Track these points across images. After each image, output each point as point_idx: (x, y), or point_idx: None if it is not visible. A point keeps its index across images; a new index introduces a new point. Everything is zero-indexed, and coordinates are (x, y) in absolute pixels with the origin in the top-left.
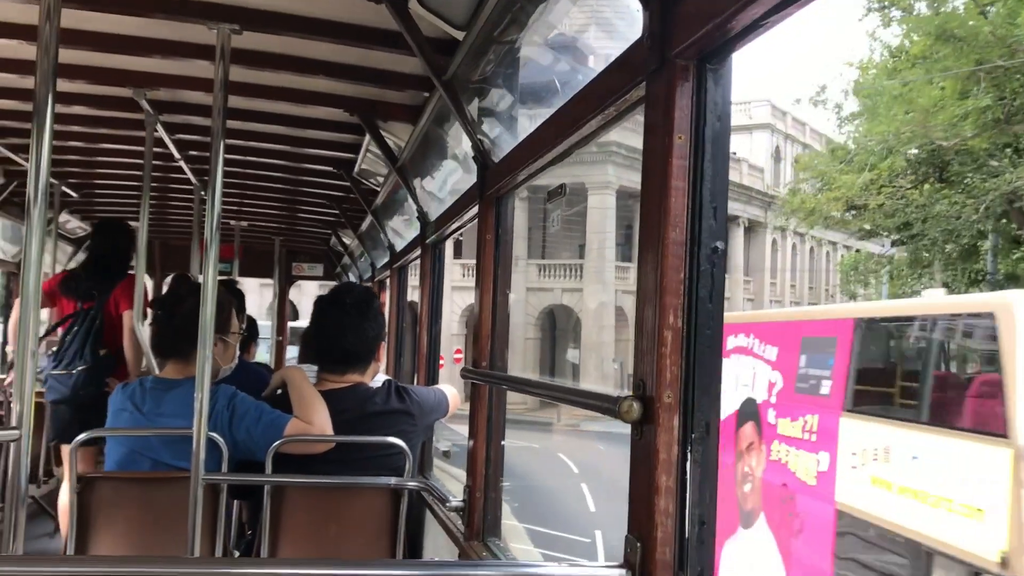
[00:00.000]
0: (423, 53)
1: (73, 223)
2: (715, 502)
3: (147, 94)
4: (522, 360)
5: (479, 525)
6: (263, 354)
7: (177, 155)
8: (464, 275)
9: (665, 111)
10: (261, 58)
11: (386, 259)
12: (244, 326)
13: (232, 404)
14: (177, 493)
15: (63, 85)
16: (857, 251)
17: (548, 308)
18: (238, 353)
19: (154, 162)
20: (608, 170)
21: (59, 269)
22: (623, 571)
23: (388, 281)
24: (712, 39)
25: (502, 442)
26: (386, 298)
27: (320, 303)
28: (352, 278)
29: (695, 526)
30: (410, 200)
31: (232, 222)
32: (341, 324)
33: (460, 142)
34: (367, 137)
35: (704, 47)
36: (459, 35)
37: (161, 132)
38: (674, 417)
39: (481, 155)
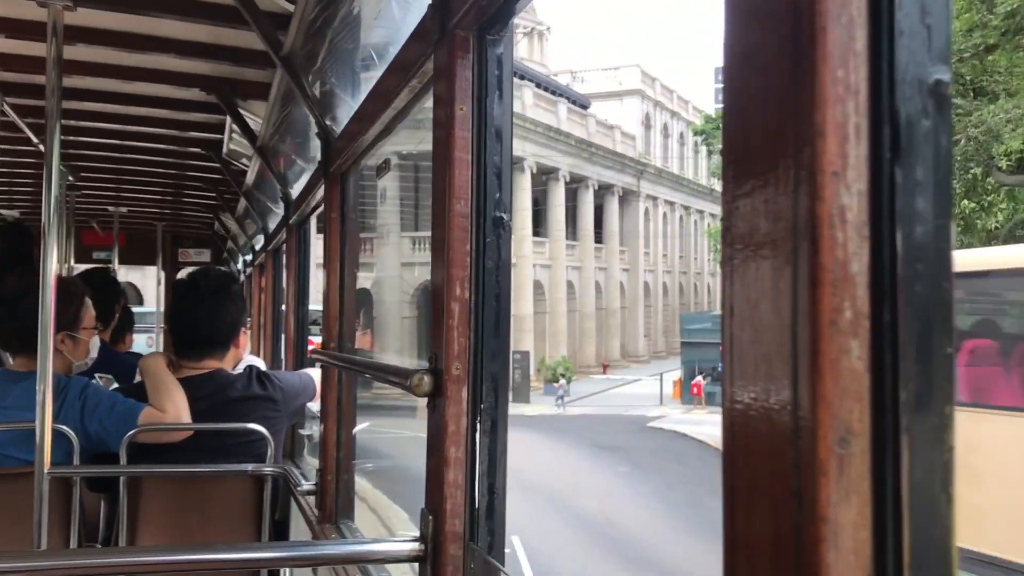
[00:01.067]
0: (260, 28)
1: None
2: (505, 472)
3: None
4: (399, 342)
5: (331, 507)
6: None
7: (35, 140)
8: (415, 248)
9: (448, 82)
10: (104, 36)
11: (263, 241)
12: (118, 316)
13: (84, 395)
14: (26, 488)
15: None
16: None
17: (424, 284)
18: (97, 345)
19: (11, 147)
20: (525, 147)
21: None
22: (417, 544)
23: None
24: (487, 8)
25: (354, 425)
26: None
27: (177, 288)
28: (239, 262)
29: (484, 497)
30: (274, 180)
31: (111, 208)
32: (197, 309)
33: (310, 119)
34: (228, 117)
35: (481, 16)
36: (290, 7)
37: (12, 115)
38: (463, 389)
39: (324, 131)
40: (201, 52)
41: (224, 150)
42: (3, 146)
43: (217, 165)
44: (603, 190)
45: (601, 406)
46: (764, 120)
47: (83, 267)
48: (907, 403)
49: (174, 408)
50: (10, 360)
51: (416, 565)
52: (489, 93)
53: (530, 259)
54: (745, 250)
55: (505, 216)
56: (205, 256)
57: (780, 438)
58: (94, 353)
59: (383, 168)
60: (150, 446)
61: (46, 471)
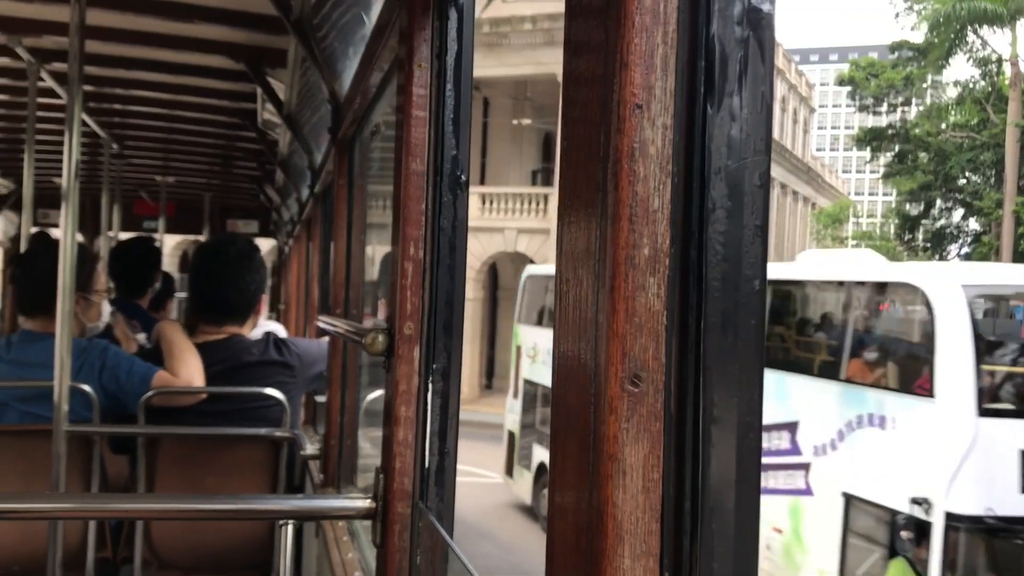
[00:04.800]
0: None
1: None
2: (456, 433)
3: (23, 40)
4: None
5: (334, 472)
6: None
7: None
8: (484, 210)
9: (408, 39)
10: (133, 2)
11: (299, 212)
12: (159, 284)
13: (103, 357)
14: (47, 446)
15: None
16: None
17: (495, 257)
18: (109, 308)
19: (55, 114)
20: None
21: None
22: (368, 502)
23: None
24: None
25: (358, 391)
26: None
27: (202, 254)
28: (283, 233)
29: (435, 457)
30: (302, 150)
31: (158, 178)
32: (223, 275)
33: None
34: (258, 86)
35: None
36: None
37: (51, 83)
38: (415, 349)
39: (333, 97)
40: (224, 19)
41: (259, 120)
42: (45, 113)
43: (254, 135)
44: None
45: None
46: (585, 52)
47: (126, 235)
48: (710, 342)
49: (187, 372)
50: (29, 322)
51: (369, 523)
52: (448, 50)
53: None
54: (568, 185)
55: (463, 175)
56: (253, 227)
57: (584, 376)
58: (106, 316)
59: (374, 133)
60: (168, 409)
61: (64, 428)
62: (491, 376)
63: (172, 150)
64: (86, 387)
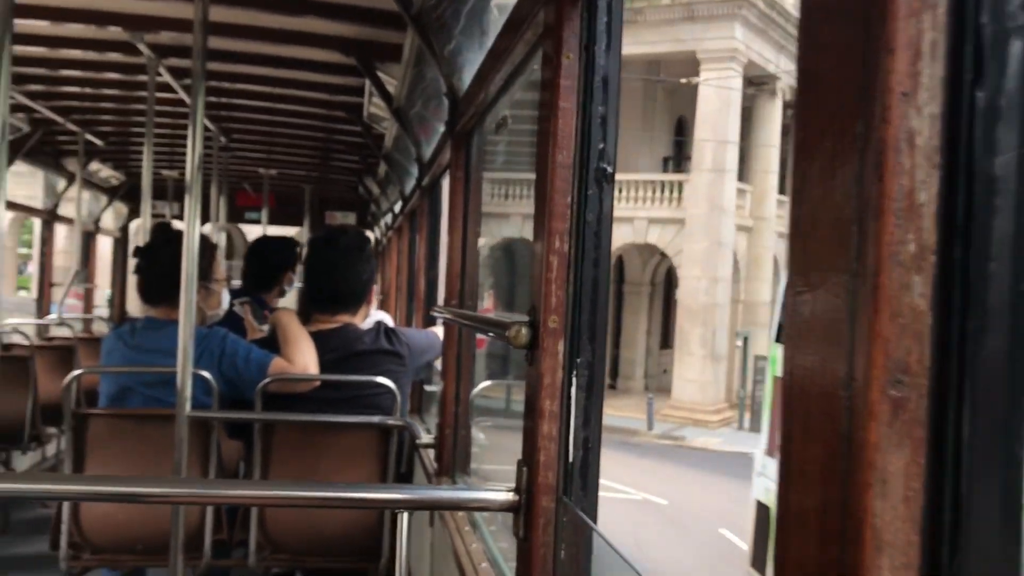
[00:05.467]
0: None
1: (106, 172)
2: (599, 426)
3: (144, 37)
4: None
5: (449, 461)
6: None
7: (188, 101)
8: (631, 198)
9: (555, 30)
10: None
11: (401, 204)
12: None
13: (223, 345)
14: (169, 429)
15: (62, 29)
16: None
17: (623, 249)
18: (228, 298)
19: (169, 108)
20: (735, 31)
21: (91, 217)
22: (511, 495)
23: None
24: None
25: (472, 382)
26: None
27: (315, 245)
28: (380, 225)
29: (579, 451)
30: (409, 143)
31: (261, 170)
32: (335, 266)
33: (440, 79)
34: (367, 80)
35: None
36: None
37: (168, 77)
38: (559, 342)
39: (451, 91)
40: (339, 14)
41: (364, 113)
42: (161, 107)
43: (358, 129)
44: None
45: None
46: (836, 35)
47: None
48: (977, 345)
49: (302, 359)
50: (153, 310)
51: (511, 515)
52: (597, 41)
53: (772, 223)
54: (808, 179)
55: (609, 168)
56: (351, 219)
57: (832, 380)
58: (225, 304)
59: (501, 125)
60: (282, 396)
61: (186, 413)
62: (616, 376)
63: (276, 143)
64: (206, 374)
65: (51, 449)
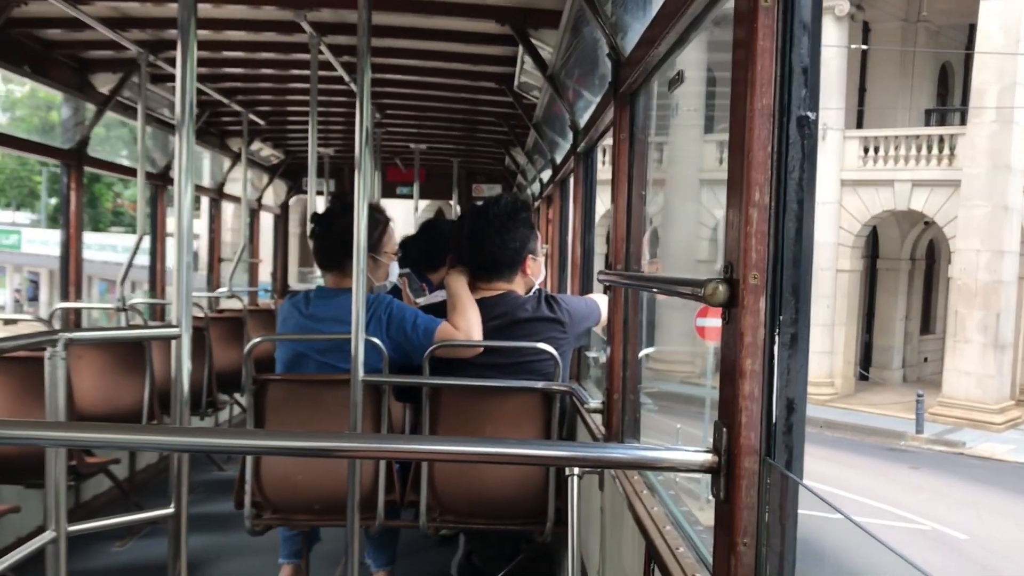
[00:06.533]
0: None
1: (266, 151)
2: (805, 387)
3: (307, 15)
4: (830, 314)
5: (617, 426)
6: None
7: (347, 78)
8: (865, 159)
9: None
10: None
11: (551, 173)
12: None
13: (389, 311)
14: (342, 393)
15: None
16: None
17: (879, 218)
18: (397, 270)
19: (327, 86)
20: None
21: (254, 195)
22: (710, 455)
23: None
24: None
25: (639, 346)
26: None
27: (466, 216)
28: (527, 195)
29: (783, 411)
30: (563, 109)
31: (412, 145)
32: (483, 235)
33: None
34: (520, 48)
35: None
36: None
37: (328, 55)
38: (760, 299)
39: (614, 51)
40: None
41: (516, 83)
42: (322, 85)
43: (508, 99)
44: None
45: None
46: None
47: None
48: None
49: (467, 325)
50: (327, 277)
51: (709, 477)
52: None
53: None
54: None
55: (811, 115)
56: (496, 190)
57: None
58: (394, 277)
59: (675, 81)
60: (447, 360)
61: (360, 378)
62: (868, 365)
63: (426, 117)
64: (376, 340)
65: (224, 415)
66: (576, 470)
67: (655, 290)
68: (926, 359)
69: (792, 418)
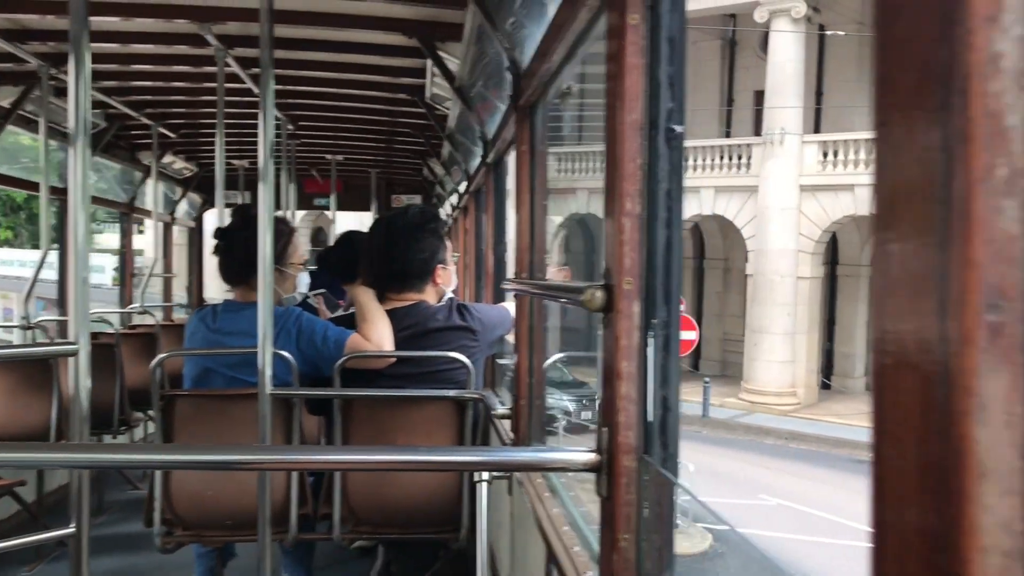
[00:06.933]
0: None
1: (179, 164)
2: (678, 386)
3: (212, 28)
4: (791, 322)
5: (525, 431)
6: None
7: (256, 90)
8: (824, 163)
9: None
10: None
11: (466, 184)
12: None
13: (299, 323)
14: (251, 407)
15: (133, 24)
16: None
17: (839, 223)
18: (307, 281)
19: (237, 98)
20: None
21: (165, 209)
22: (593, 455)
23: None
24: None
25: (545, 352)
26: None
27: (375, 226)
28: (446, 206)
29: (658, 410)
30: (473, 121)
31: (328, 156)
32: (393, 246)
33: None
34: (429, 60)
35: None
36: None
37: (235, 67)
38: (634, 304)
39: (513, 64)
40: None
41: (427, 94)
42: (230, 97)
43: (422, 110)
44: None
45: None
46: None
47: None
48: None
49: (377, 336)
50: (232, 292)
51: (594, 476)
52: (661, 0)
53: None
54: (891, 110)
55: (678, 128)
56: (416, 201)
57: (927, 306)
58: (302, 288)
59: (565, 94)
60: (359, 371)
61: (268, 391)
62: (830, 374)
63: (342, 128)
64: (286, 353)
65: (139, 433)
66: (485, 475)
67: (546, 296)
68: None
69: (667, 417)
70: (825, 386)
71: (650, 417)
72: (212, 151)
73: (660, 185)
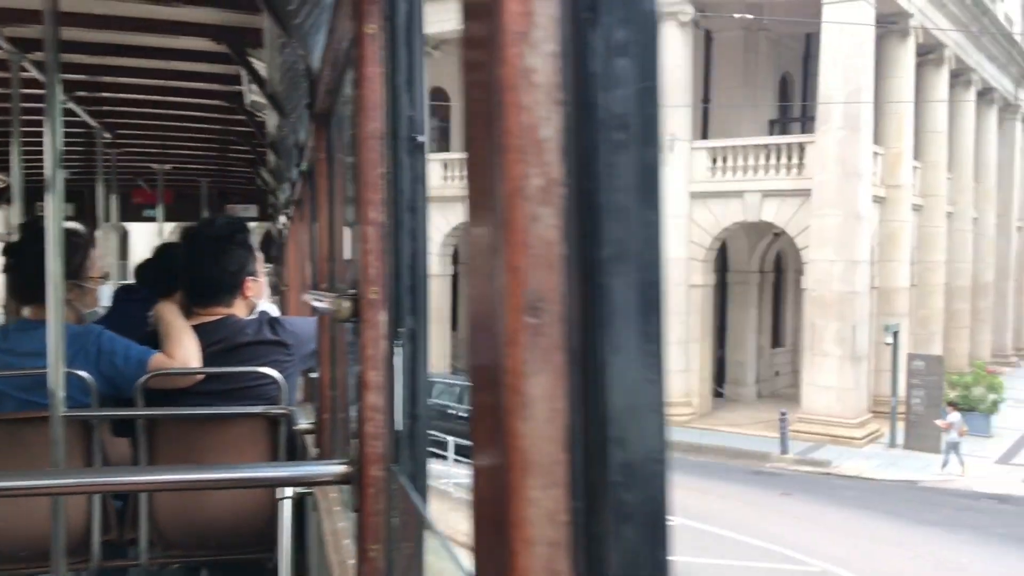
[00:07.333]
0: None
1: None
2: (425, 396)
3: (4, 31)
4: (684, 331)
5: (328, 445)
6: None
7: (63, 97)
8: (713, 170)
9: (359, 4)
10: None
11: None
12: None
13: (99, 342)
14: (46, 432)
15: None
16: None
17: (729, 230)
18: (108, 294)
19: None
20: None
21: None
22: (345, 467)
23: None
24: None
25: (347, 365)
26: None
27: (183, 238)
28: (284, 216)
29: (406, 419)
30: (288, 129)
31: (155, 166)
32: (200, 259)
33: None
34: (242, 67)
35: None
36: None
37: (35, 72)
38: (379, 313)
39: (309, 72)
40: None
41: (246, 101)
42: (33, 104)
43: (243, 117)
44: (982, 94)
45: None
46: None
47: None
48: (607, 271)
49: (183, 353)
50: (26, 310)
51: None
52: (398, 11)
53: (907, 192)
54: (469, 123)
55: (419, 136)
56: (252, 211)
57: (489, 312)
58: (104, 301)
59: (347, 103)
60: (165, 391)
61: (60, 413)
62: (722, 382)
63: (167, 137)
64: (82, 372)
65: None
66: (288, 492)
67: (318, 307)
68: (777, 373)
69: (416, 426)
70: (718, 394)
71: (398, 427)
72: (23, 161)
73: (403, 195)
